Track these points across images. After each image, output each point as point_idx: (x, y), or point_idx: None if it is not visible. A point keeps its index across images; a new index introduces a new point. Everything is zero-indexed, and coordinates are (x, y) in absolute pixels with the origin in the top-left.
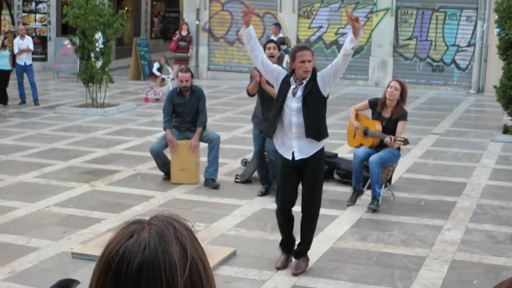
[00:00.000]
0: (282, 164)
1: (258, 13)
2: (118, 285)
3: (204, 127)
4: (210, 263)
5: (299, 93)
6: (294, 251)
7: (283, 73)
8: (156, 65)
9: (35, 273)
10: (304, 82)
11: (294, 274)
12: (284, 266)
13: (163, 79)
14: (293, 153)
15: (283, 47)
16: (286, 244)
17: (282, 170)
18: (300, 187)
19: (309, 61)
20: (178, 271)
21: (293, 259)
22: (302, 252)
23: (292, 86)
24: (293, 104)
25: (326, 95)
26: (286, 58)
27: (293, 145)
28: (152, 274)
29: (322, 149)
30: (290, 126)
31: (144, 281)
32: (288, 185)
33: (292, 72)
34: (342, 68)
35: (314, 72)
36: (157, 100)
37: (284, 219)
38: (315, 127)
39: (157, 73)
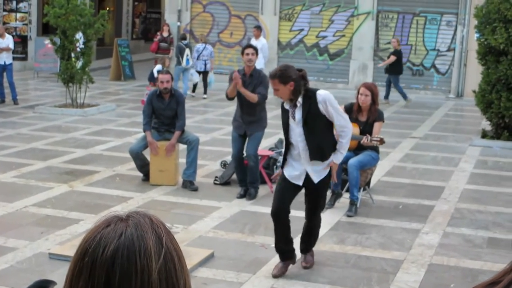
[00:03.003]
0: (282, 181)
1: (239, 15)
2: (93, 270)
3: (183, 131)
4: (187, 265)
5: (298, 116)
6: (300, 247)
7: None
8: (158, 67)
9: (12, 273)
10: (298, 104)
11: (305, 267)
12: (281, 273)
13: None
14: (306, 178)
15: (184, 41)
16: (283, 252)
17: (283, 184)
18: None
19: (276, 90)
20: (152, 257)
21: (301, 254)
22: (308, 248)
23: (289, 111)
24: (297, 129)
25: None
26: (187, 51)
27: (308, 170)
28: (127, 258)
29: (328, 175)
30: (299, 153)
31: (118, 265)
32: (288, 195)
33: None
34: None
35: (307, 90)
36: None
37: (280, 223)
38: (319, 150)
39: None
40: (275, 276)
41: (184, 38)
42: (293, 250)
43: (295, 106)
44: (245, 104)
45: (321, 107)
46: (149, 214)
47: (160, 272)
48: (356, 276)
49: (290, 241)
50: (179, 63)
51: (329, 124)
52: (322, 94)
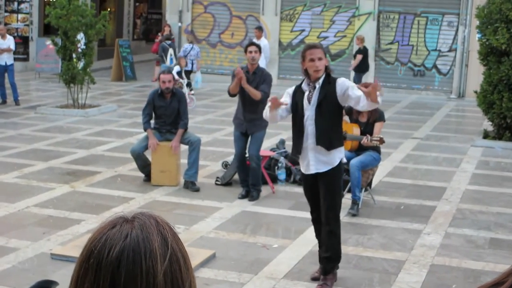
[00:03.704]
0: (303, 180)
1: (240, 15)
2: (99, 271)
3: (186, 129)
4: None
5: (314, 99)
6: (320, 268)
7: (291, 89)
8: (176, 68)
9: (14, 273)
10: (317, 85)
11: None
12: (318, 277)
13: (179, 82)
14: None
15: (168, 42)
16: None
17: (304, 183)
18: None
19: (319, 59)
20: (158, 259)
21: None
22: (328, 270)
23: (306, 93)
24: (309, 113)
25: (343, 106)
26: (170, 51)
27: (309, 156)
28: (133, 260)
29: (339, 164)
30: (307, 137)
31: (124, 267)
32: (313, 195)
33: (306, 73)
34: (361, 109)
35: (328, 72)
36: None
37: (318, 226)
38: (327, 135)
39: (179, 79)
40: (314, 279)
41: (168, 39)
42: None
43: (313, 88)
44: (248, 101)
45: (338, 90)
46: (154, 215)
47: (166, 273)
48: (357, 276)
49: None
50: (163, 62)
51: (340, 114)
52: (342, 79)
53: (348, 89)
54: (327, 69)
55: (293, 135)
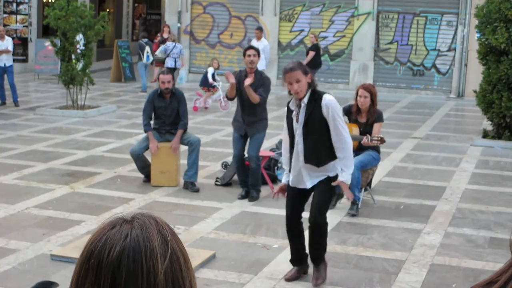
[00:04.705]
0: (288, 191)
1: (239, 16)
2: (99, 271)
3: (185, 130)
4: None
5: (301, 117)
6: (311, 257)
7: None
8: (210, 71)
9: (14, 275)
10: (303, 104)
11: (315, 285)
12: (294, 278)
13: (213, 87)
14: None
15: (144, 39)
16: (296, 259)
17: (289, 193)
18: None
19: (297, 81)
20: (158, 258)
21: (313, 267)
22: (319, 256)
23: (294, 112)
24: (298, 131)
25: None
26: (147, 48)
27: (303, 174)
28: (133, 259)
29: (335, 176)
30: (297, 155)
31: (124, 266)
32: (296, 202)
33: (289, 92)
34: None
35: (314, 91)
36: (206, 108)
37: (293, 228)
38: (315, 153)
39: (214, 82)
40: (288, 280)
41: (145, 37)
42: (306, 256)
43: (299, 106)
44: (246, 104)
45: (324, 111)
46: (154, 215)
47: (166, 273)
48: (358, 276)
49: (302, 249)
50: (140, 59)
51: (328, 129)
52: (327, 98)
53: (332, 119)
54: (311, 85)
55: (283, 151)
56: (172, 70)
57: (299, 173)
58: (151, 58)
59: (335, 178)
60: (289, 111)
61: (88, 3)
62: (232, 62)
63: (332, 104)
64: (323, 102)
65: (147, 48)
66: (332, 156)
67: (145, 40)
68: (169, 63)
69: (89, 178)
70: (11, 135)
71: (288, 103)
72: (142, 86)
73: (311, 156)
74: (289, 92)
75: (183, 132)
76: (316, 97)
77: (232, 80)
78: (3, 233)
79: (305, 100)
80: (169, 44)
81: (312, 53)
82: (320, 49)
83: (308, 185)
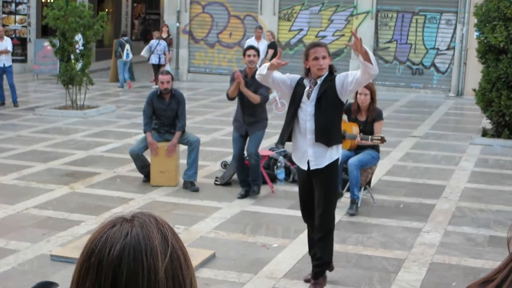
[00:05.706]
0: (298, 175)
1: (238, 15)
2: (100, 270)
3: (183, 132)
4: None
5: (314, 94)
6: (312, 271)
7: (296, 77)
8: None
9: (14, 275)
10: (319, 81)
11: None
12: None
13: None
14: (308, 162)
15: (124, 38)
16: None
17: (299, 182)
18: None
19: (323, 57)
20: (159, 256)
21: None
22: (319, 273)
23: (307, 88)
24: (308, 108)
25: (343, 100)
26: (127, 46)
27: (308, 153)
28: (134, 257)
29: (336, 161)
30: (305, 133)
31: (125, 265)
32: (309, 198)
33: (307, 72)
34: (361, 85)
35: (332, 71)
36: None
37: (311, 228)
38: (326, 131)
39: None
40: (307, 281)
41: (125, 35)
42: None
43: (314, 84)
44: (246, 104)
45: (338, 84)
46: (154, 214)
47: (167, 270)
48: (357, 275)
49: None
50: (120, 57)
51: (340, 110)
52: (340, 74)
53: (346, 75)
54: (331, 68)
55: (284, 124)
56: (158, 67)
57: (305, 152)
58: (130, 56)
59: (335, 164)
60: (301, 86)
61: (87, 3)
62: (231, 61)
63: (344, 72)
64: (337, 77)
65: (127, 46)
66: (339, 140)
67: (125, 38)
68: (153, 59)
69: (88, 178)
70: (11, 136)
71: (301, 79)
72: (120, 83)
73: (322, 134)
74: (306, 72)
75: (181, 134)
76: (331, 78)
77: (240, 79)
78: (3, 234)
79: (322, 78)
80: (153, 41)
81: (271, 51)
82: (277, 47)
83: (312, 165)
